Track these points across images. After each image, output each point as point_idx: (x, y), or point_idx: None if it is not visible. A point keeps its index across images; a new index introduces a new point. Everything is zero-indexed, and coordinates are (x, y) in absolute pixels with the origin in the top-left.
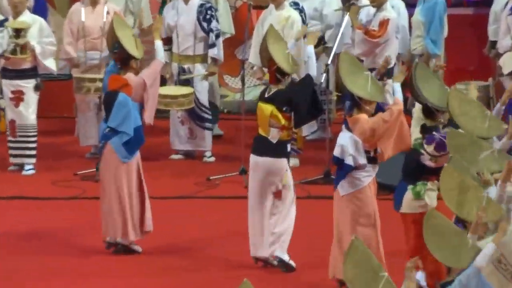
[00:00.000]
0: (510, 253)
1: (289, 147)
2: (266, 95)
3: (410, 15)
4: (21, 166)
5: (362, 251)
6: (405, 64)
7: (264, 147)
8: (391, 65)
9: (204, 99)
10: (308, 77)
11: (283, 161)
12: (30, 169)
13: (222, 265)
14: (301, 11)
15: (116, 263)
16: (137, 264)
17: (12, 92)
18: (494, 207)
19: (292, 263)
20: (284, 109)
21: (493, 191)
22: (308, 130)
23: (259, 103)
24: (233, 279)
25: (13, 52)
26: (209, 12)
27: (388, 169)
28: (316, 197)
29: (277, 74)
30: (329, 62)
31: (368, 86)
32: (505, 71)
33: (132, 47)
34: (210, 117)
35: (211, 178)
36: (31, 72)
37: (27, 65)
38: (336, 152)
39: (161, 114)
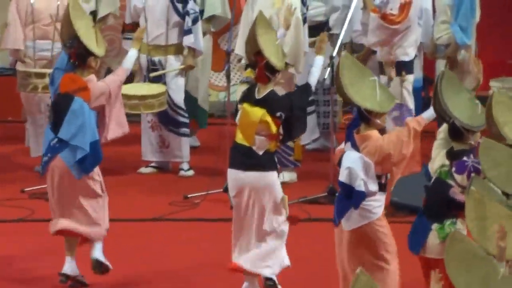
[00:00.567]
0: None
1: (275, 158)
2: (256, 96)
3: None
4: None
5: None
6: (427, 56)
7: (248, 160)
8: (411, 58)
9: (179, 99)
10: (308, 86)
11: (274, 174)
12: None
13: None
14: None
15: None
16: None
17: None
18: None
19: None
20: (278, 114)
21: None
22: (308, 137)
23: (244, 105)
24: None
25: None
26: None
27: (404, 186)
28: (317, 220)
29: (266, 71)
30: (335, 53)
31: (377, 95)
32: None
33: (92, 42)
34: (186, 120)
35: (189, 196)
36: None
37: None
38: (342, 176)
39: (131, 118)
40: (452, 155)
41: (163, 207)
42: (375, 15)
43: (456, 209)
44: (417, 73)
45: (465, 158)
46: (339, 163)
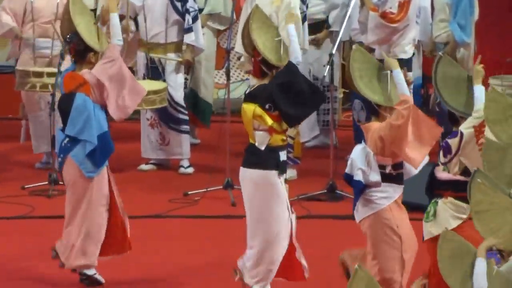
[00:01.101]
0: None
1: (283, 155)
2: (247, 91)
3: None
4: None
5: (367, 284)
6: (426, 54)
7: (252, 157)
8: (409, 55)
9: (178, 96)
10: (289, 64)
11: (273, 174)
12: None
13: None
14: None
15: None
16: None
17: None
18: None
19: None
20: (267, 107)
21: None
22: (308, 135)
23: (243, 104)
24: None
25: None
26: None
27: (412, 185)
28: (317, 217)
29: (262, 66)
30: (334, 51)
31: (388, 89)
32: None
33: (92, 37)
34: (186, 117)
35: (189, 193)
36: None
37: None
38: (347, 167)
39: (130, 116)
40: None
41: (163, 204)
42: (374, 14)
43: (440, 188)
44: (416, 71)
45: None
46: None
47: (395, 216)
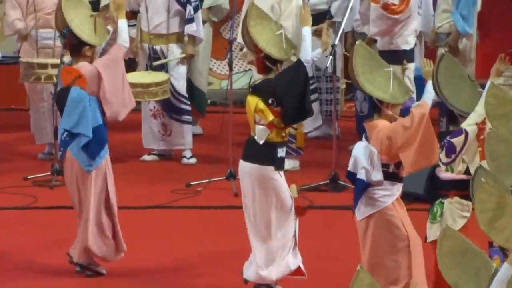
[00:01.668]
0: None
1: (281, 151)
2: (253, 83)
3: None
4: None
5: (367, 286)
6: (429, 45)
7: (250, 150)
8: (411, 46)
9: (181, 86)
10: (299, 63)
11: (270, 169)
12: None
13: None
14: None
15: (77, 286)
16: None
17: None
18: None
19: None
20: (269, 101)
21: None
22: (310, 125)
23: (248, 95)
24: None
25: None
26: None
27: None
28: (320, 207)
29: (266, 61)
30: (336, 41)
31: (390, 86)
32: None
33: (87, 31)
34: (189, 108)
35: (191, 183)
36: None
37: None
38: (350, 165)
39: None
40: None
41: (166, 194)
42: (375, 5)
43: (444, 188)
44: (418, 62)
45: (448, 137)
46: None
47: (399, 212)
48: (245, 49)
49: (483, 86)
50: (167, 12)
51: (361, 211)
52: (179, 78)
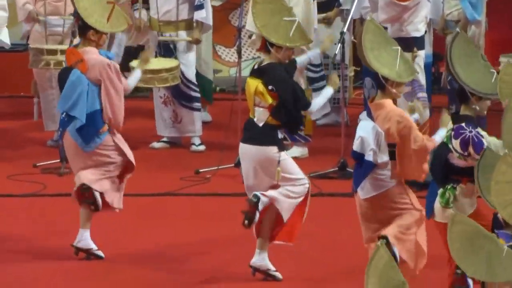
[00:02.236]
0: None
1: (280, 133)
2: (255, 67)
3: None
4: None
5: (386, 262)
6: (437, 32)
7: (250, 132)
8: (422, 33)
9: (190, 73)
10: (293, 62)
11: (272, 149)
12: None
13: (212, 277)
14: None
15: (85, 274)
16: (111, 276)
17: None
18: None
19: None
20: (270, 88)
21: None
22: (319, 112)
23: (248, 78)
24: None
25: None
26: None
27: None
28: (329, 195)
29: (267, 42)
30: (345, 29)
31: (396, 64)
32: None
33: (96, 16)
34: (198, 95)
35: (200, 171)
36: None
37: None
38: (356, 145)
39: (142, 93)
40: (455, 118)
41: (175, 182)
42: None
43: (453, 174)
44: (427, 49)
45: (463, 125)
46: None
47: (406, 190)
48: (253, 37)
49: None
50: None
51: (365, 190)
52: (189, 65)
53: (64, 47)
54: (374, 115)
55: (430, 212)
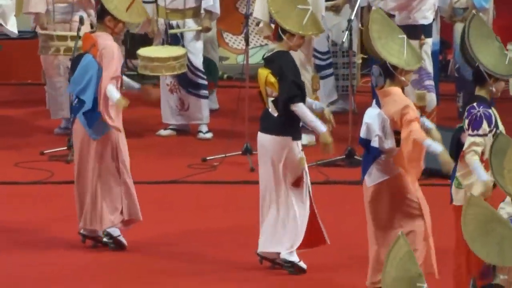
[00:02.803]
0: None
1: (296, 123)
2: (266, 55)
3: None
4: None
5: (405, 253)
6: (445, 19)
7: (266, 122)
8: (430, 21)
9: (197, 61)
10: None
11: (287, 139)
12: None
13: (220, 265)
14: None
15: (92, 262)
16: (118, 264)
17: None
18: None
19: (302, 264)
20: (277, 77)
21: None
22: (326, 100)
23: (259, 68)
24: (231, 282)
25: None
26: None
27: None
28: (336, 182)
29: (279, 29)
30: (353, 17)
31: (404, 52)
32: None
33: (116, 2)
34: (205, 82)
35: (208, 158)
36: None
37: None
38: (362, 132)
39: (149, 81)
40: (470, 98)
41: (182, 169)
42: None
43: None
44: (434, 37)
45: (475, 104)
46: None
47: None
48: (261, 24)
49: None
50: None
51: (372, 177)
52: (196, 53)
53: (75, 33)
54: (382, 102)
55: (451, 197)
